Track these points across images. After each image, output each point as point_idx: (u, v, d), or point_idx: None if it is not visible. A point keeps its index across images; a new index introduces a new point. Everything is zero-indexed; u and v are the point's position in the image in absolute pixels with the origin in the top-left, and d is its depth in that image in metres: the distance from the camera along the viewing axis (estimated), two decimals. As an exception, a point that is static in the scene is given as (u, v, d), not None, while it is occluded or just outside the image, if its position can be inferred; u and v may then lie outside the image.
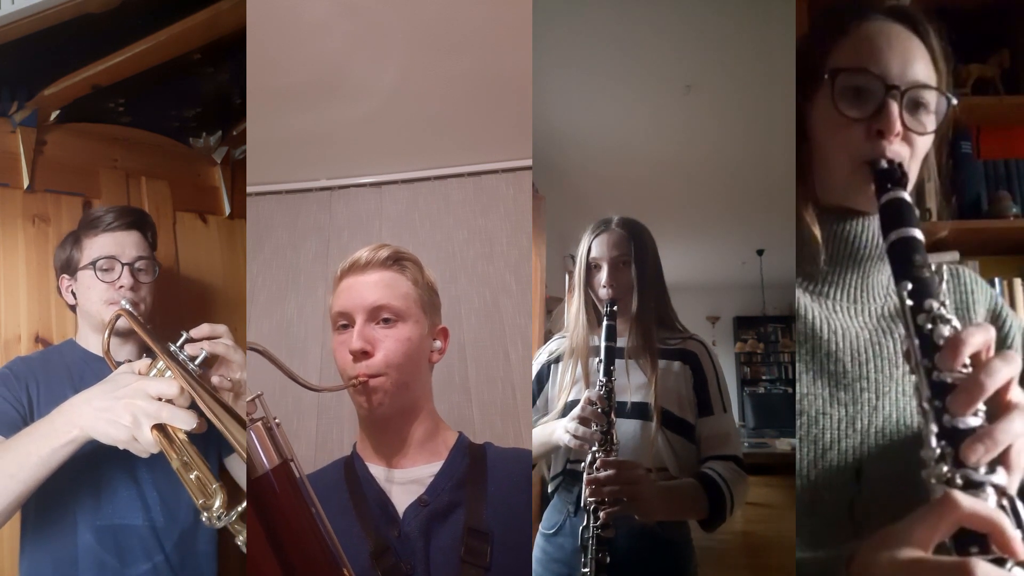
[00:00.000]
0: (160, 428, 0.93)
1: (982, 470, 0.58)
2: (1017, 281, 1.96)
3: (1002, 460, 0.59)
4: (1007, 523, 0.54)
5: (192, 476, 0.95)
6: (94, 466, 1.18)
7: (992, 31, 1.98)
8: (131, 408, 0.93)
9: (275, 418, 0.76)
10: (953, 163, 1.94)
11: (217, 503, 0.93)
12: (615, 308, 1.26)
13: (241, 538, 0.89)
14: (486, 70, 1.72)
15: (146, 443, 0.93)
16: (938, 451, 0.59)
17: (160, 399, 0.94)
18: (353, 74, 1.75)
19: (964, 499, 0.55)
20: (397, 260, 1.01)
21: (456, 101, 1.86)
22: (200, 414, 0.94)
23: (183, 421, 0.93)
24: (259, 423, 0.75)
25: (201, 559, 1.29)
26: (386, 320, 0.97)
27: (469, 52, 1.67)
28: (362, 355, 0.94)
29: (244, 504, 0.88)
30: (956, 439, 0.59)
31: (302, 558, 0.72)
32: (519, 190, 2.07)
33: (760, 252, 5.48)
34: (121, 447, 0.94)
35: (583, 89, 2.63)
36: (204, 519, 0.93)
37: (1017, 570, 0.53)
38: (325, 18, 1.57)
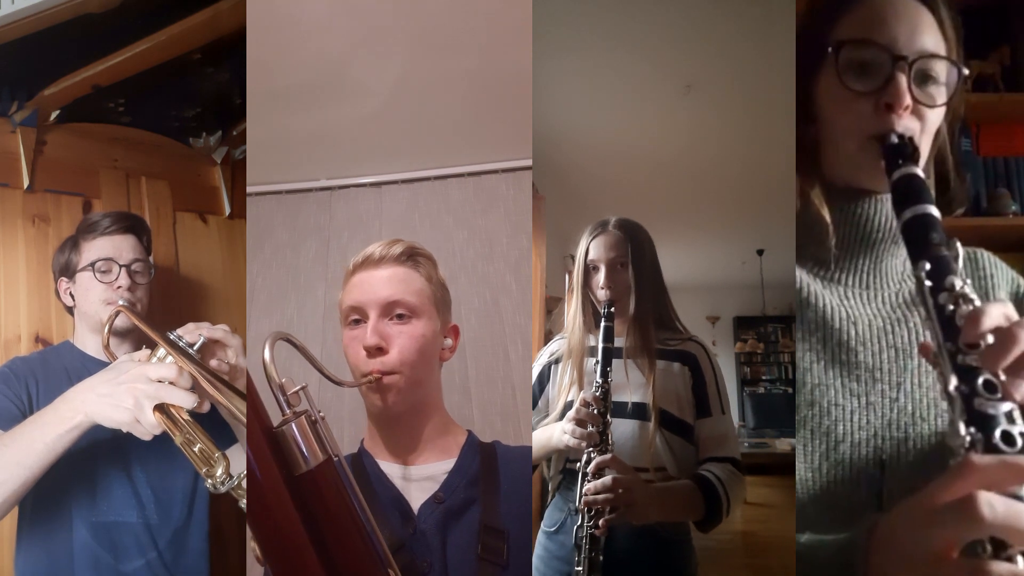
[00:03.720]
0: (162, 410, 0.96)
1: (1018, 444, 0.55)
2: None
3: None
4: None
5: (195, 449, 0.98)
6: (90, 464, 1.21)
7: (992, 28, 1.98)
8: (133, 391, 0.95)
9: (319, 411, 0.73)
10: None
11: (219, 471, 0.96)
12: (613, 309, 1.27)
13: (243, 502, 0.92)
14: (486, 70, 1.72)
15: (148, 424, 0.95)
16: (968, 439, 0.56)
17: (160, 381, 0.96)
18: (353, 74, 1.75)
19: (983, 459, 0.53)
20: (411, 256, 1.00)
21: (456, 101, 1.86)
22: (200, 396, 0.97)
23: (184, 400, 0.96)
24: (303, 417, 0.72)
25: (194, 555, 1.31)
26: (400, 316, 0.96)
27: (469, 52, 1.67)
28: (376, 351, 0.93)
29: (244, 471, 0.90)
30: (986, 426, 0.56)
31: (347, 557, 0.70)
32: (519, 190, 2.07)
33: (760, 252, 5.48)
34: (124, 430, 0.97)
35: (583, 89, 2.63)
36: (208, 485, 0.96)
37: None
38: (325, 18, 1.57)
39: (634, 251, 1.30)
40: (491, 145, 2.05)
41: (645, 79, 2.60)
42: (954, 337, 0.60)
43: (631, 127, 3.03)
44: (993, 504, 0.50)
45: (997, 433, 0.55)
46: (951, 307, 0.62)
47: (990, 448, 0.55)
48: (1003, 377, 0.58)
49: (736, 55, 2.38)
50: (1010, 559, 0.50)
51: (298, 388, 0.73)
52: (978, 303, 0.62)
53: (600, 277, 1.30)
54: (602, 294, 1.29)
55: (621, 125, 3.00)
